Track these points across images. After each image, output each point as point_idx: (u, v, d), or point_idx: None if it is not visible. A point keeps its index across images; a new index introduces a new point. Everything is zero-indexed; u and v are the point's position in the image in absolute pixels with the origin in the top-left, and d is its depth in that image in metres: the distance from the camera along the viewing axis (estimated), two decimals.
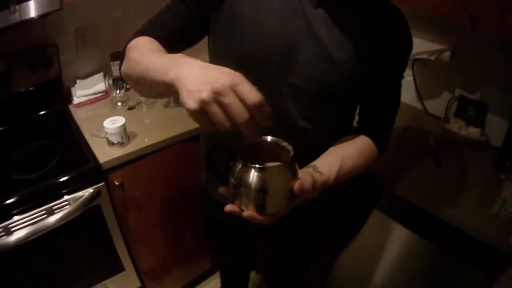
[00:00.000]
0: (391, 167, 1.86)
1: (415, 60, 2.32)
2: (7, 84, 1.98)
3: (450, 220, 1.63)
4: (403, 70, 1.26)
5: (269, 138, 0.99)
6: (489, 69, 2.11)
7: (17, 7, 1.56)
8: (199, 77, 0.75)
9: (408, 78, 2.40)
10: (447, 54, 2.13)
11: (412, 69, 2.39)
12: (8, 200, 1.55)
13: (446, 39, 2.13)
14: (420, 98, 2.44)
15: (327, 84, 1.15)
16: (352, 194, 1.96)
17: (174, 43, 1.15)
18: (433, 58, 2.15)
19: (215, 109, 0.73)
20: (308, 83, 1.15)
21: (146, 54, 1.00)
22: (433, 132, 2.21)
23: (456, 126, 2.16)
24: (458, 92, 2.26)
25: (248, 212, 0.93)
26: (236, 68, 0.80)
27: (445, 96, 2.33)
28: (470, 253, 1.62)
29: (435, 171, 1.89)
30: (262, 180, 0.89)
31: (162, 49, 1.07)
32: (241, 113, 0.73)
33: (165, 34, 1.17)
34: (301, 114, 1.21)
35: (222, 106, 0.73)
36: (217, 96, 0.72)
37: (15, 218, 1.57)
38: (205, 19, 1.21)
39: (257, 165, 0.89)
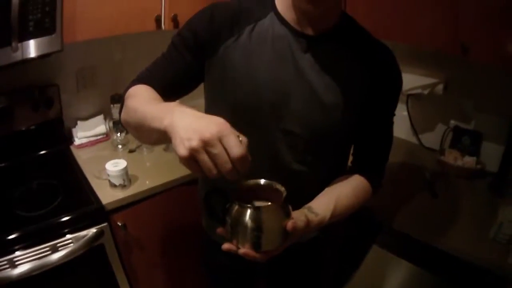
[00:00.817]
0: (388, 202, 1.88)
1: (409, 95, 2.35)
2: (9, 120, 2.03)
3: (448, 249, 1.65)
4: (395, 108, 1.29)
5: (262, 181, 1.04)
6: (482, 97, 2.15)
7: (19, 44, 1.59)
8: (190, 125, 0.79)
9: (402, 113, 2.44)
10: (440, 87, 2.18)
11: (406, 104, 2.42)
12: (13, 235, 1.58)
13: (439, 72, 2.18)
14: (415, 132, 2.47)
15: (319, 128, 1.18)
16: (351, 231, 1.97)
17: (170, 91, 1.19)
18: (426, 92, 2.20)
19: (203, 157, 0.78)
20: (300, 128, 1.18)
21: (143, 102, 1.04)
22: (429, 165, 2.25)
23: (451, 157, 2.19)
24: (452, 123, 2.29)
25: (244, 250, 0.97)
26: (231, 116, 0.85)
27: (440, 128, 2.36)
28: (471, 279, 1.63)
29: (431, 204, 1.92)
30: (257, 220, 0.95)
31: (159, 97, 1.11)
32: (225, 164, 0.78)
33: (161, 83, 1.19)
34: (295, 158, 1.23)
35: (210, 155, 0.78)
36: (205, 146, 0.77)
37: (20, 252, 1.60)
38: (200, 68, 1.23)
39: (251, 206, 0.95)
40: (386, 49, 1.21)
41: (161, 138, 0.89)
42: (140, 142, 1.13)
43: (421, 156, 2.37)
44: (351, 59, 1.16)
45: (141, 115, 0.98)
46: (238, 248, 0.99)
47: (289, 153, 1.22)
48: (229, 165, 0.78)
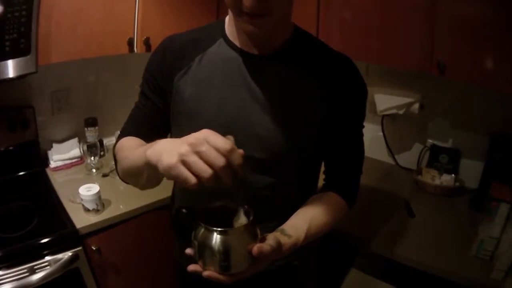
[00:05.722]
0: (365, 224, 1.87)
1: (384, 116, 2.35)
2: None
3: (428, 269, 1.63)
4: (363, 119, 1.27)
5: (230, 203, 1.03)
6: (459, 114, 2.16)
7: None
8: (173, 142, 0.85)
9: (378, 134, 2.42)
10: (415, 106, 2.18)
11: (382, 125, 2.41)
12: None
13: (414, 92, 2.17)
14: (391, 153, 2.46)
15: (279, 150, 1.16)
16: (327, 255, 1.95)
17: (152, 135, 1.16)
18: (401, 112, 2.20)
19: (193, 158, 0.79)
20: (261, 152, 1.16)
21: (131, 149, 1.12)
22: (406, 185, 2.25)
23: (429, 176, 2.19)
24: (429, 142, 2.30)
25: (208, 272, 0.95)
26: None
27: (417, 147, 2.37)
28: None
29: (409, 224, 1.90)
30: (222, 243, 0.93)
31: (143, 142, 1.14)
32: (218, 158, 0.79)
33: (142, 130, 1.24)
34: (260, 182, 1.21)
35: (200, 154, 0.79)
36: (193, 148, 0.79)
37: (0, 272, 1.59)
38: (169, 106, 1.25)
39: (217, 228, 0.94)
40: (345, 59, 1.20)
41: (150, 173, 0.94)
42: (143, 189, 1.15)
43: (397, 177, 2.37)
44: (306, 74, 1.14)
45: (131, 161, 1.05)
46: (205, 269, 0.97)
47: (254, 179, 1.20)
48: (222, 159, 0.79)
